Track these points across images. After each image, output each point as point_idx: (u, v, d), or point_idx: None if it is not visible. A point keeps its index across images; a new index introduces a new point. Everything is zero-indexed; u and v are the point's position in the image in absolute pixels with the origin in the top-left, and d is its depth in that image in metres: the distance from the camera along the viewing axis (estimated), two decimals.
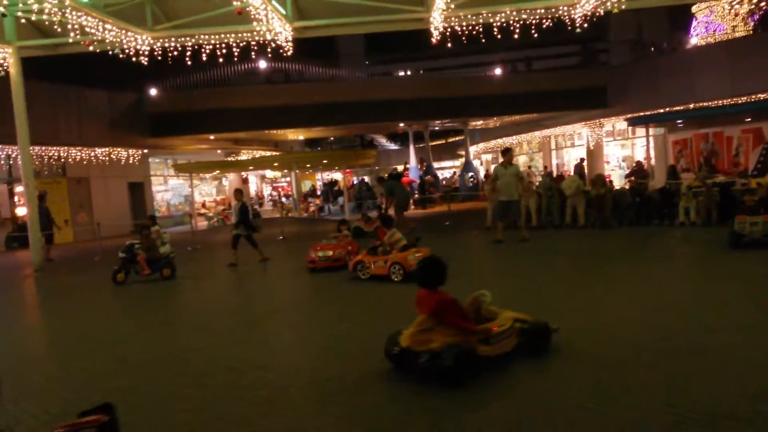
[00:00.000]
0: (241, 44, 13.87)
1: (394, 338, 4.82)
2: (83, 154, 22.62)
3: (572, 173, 23.18)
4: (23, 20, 12.34)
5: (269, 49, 13.99)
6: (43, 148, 20.58)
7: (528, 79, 28.58)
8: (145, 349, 6.24)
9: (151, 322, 7.77)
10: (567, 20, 13.14)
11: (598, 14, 13.03)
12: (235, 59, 14.79)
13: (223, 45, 13.80)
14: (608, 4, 12.33)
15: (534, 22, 13.23)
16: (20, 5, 11.50)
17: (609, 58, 34.73)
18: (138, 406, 4.49)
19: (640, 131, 24.74)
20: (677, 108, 21.77)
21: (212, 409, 4.34)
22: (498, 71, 31.96)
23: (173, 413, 4.33)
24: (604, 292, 7.38)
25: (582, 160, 27.23)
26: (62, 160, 22.24)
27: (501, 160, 12.76)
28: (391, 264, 9.02)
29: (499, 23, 13.16)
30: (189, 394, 4.70)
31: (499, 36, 13.41)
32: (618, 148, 29.34)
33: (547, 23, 13.37)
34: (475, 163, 37.76)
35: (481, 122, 33.28)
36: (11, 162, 21.17)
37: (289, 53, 13.97)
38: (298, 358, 5.66)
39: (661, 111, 22.31)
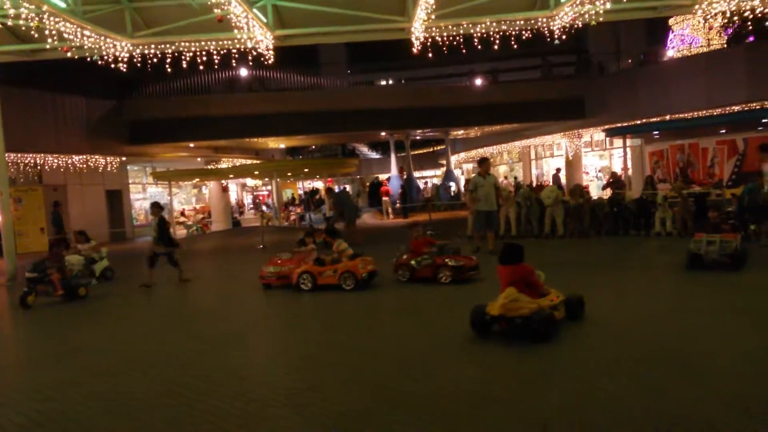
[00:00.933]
0: (222, 52, 13.79)
1: (480, 310, 5.89)
2: (60, 162, 22.26)
3: (551, 183, 23.40)
4: None
5: (250, 58, 13.93)
6: (19, 155, 20.21)
7: (508, 90, 28.83)
8: (115, 358, 6.13)
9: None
10: (546, 31, 13.30)
11: (576, 26, 13.20)
12: (216, 67, 14.71)
13: (204, 52, 13.71)
14: (586, 16, 12.49)
15: (514, 33, 13.37)
16: None
17: (587, 69, 35.19)
18: (114, 416, 4.41)
19: (618, 142, 25.08)
20: (654, 119, 22.12)
21: (187, 419, 4.27)
22: (478, 81, 32.17)
23: (150, 422, 4.25)
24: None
25: (558, 170, 27.53)
26: (38, 167, 21.87)
27: (478, 169, 12.74)
28: (342, 273, 9.08)
29: (479, 34, 13.28)
30: (164, 403, 4.63)
31: (479, 47, 13.52)
32: (596, 158, 29.70)
33: (527, 34, 13.52)
34: (457, 172, 37.97)
35: (462, 132, 33.49)
36: None
37: (270, 61, 13.93)
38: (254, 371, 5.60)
39: (638, 122, 22.66)
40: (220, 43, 13.36)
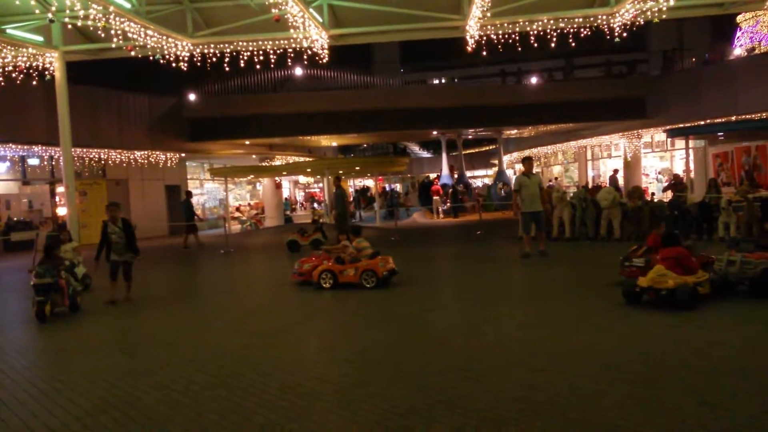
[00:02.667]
0: (278, 51, 14.04)
1: (631, 283, 7.15)
2: (123, 157, 23.18)
3: (608, 184, 22.77)
4: (69, 26, 12.74)
5: (305, 56, 14.13)
6: (84, 150, 21.15)
7: (565, 88, 28.23)
8: (172, 351, 6.33)
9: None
10: (606, 29, 12.94)
11: (638, 23, 12.79)
12: (272, 66, 14.98)
13: (261, 52, 13.99)
14: (648, 13, 12.10)
15: (572, 30, 13.07)
16: (67, 12, 11.86)
17: (649, 68, 34.10)
18: (172, 405, 4.55)
19: (680, 143, 24.17)
20: (718, 120, 21.20)
21: (239, 410, 4.36)
22: (534, 80, 31.63)
23: (201, 413, 4.36)
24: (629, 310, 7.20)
25: (615, 171, 26.73)
26: (102, 162, 22.83)
27: (522, 168, 12.38)
28: (363, 271, 9.17)
29: (536, 32, 13.04)
30: (218, 395, 4.74)
31: (535, 44, 13.28)
32: (656, 160, 28.73)
33: (586, 32, 13.19)
34: (509, 172, 37.43)
35: (515, 131, 32.99)
36: (53, 163, 21.82)
37: (324, 60, 14.09)
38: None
39: (702, 123, 21.77)
40: (277, 42, 13.61)
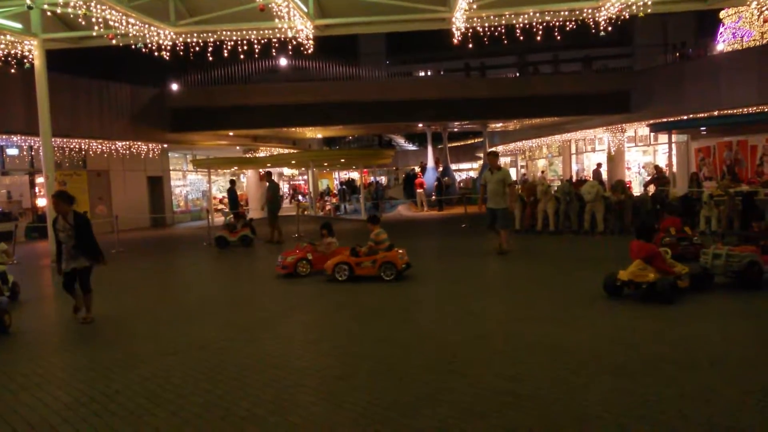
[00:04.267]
0: (263, 41, 13.89)
1: (612, 276, 7.19)
2: (104, 147, 22.86)
3: (592, 178, 22.92)
4: (49, 13, 12.49)
5: (290, 47, 14.00)
6: (65, 140, 20.82)
7: (549, 82, 28.33)
8: (155, 343, 6.26)
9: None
10: (591, 23, 12.97)
11: (623, 17, 12.84)
12: (256, 56, 14.84)
13: (245, 42, 13.83)
14: (633, 7, 12.14)
15: (557, 24, 13.09)
16: None
17: (633, 62, 34.35)
18: (153, 398, 4.50)
19: (663, 138, 24.39)
20: (701, 115, 21.42)
21: (222, 404, 4.32)
22: (518, 73, 31.72)
23: (183, 406, 4.32)
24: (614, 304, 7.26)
25: (599, 165, 26.92)
26: (83, 152, 22.51)
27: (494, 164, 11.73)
28: (381, 263, 9.04)
29: (521, 24, 13.04)
30: (200, 388, 4.70)
31: (521, 38, 13.29)
32: (640, 154, 28.97)
33: (571, 26, 13.22)
34: None
35: (500, 124, 33.08)
36: (33, 153, 21.46)
37: (309, 51, 13.97)
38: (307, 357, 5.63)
39: (685, 118, 21.97)
40: (261, 32, 13.46)
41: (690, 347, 5.23)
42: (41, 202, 21.31)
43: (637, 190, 21.02)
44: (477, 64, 40.43)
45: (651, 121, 23.80)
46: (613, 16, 12.69)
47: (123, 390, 4.73)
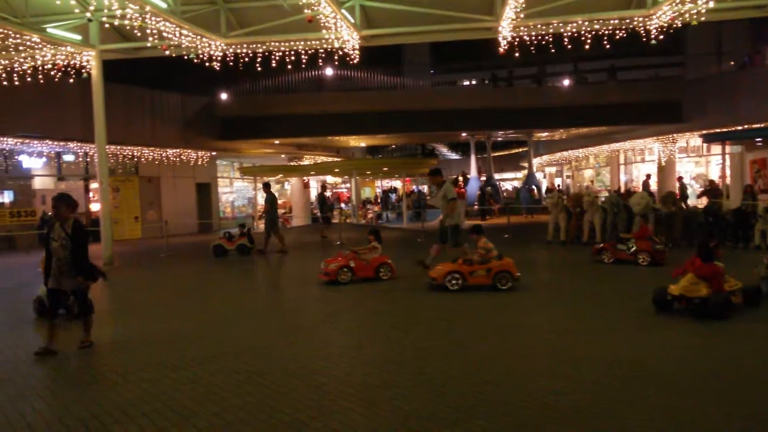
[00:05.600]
0: (310, 52, 14.12)
1: (662, 291, 6.98)
2: (155, 155, 23.59)
3: (641, 189, 22.33)
4: (107, 25, 13.02)
5: (336, 57, 14.19)
6: (118, 147, 21.59)
7: (598, 91, 27.81)
8: (200, 347, 6.41)
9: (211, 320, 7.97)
10: (642, 31, 12.70)
11: (675, 26, 12.53)
12: (303, 66, 15.08)
13: (292, 52, 14.09)
14: (686, 15, 11.83)
15: (607, 32, 12.86)
16: (105, 11, 12.11)
17: (685, 71, 33.39)
18: (197, 399, 4.61)
19: (716, 149, 23.60)
20: (757, 125, 20.62)
21: (265, 408, 4.39)
22: (566, 82, 31.19)
23: (226, 409, 4.40)
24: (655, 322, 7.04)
25: (648, 176, 26.20)
26: (135, 159, 23.28)
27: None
28: (498, 272, 8.82)
29: (569, 33, 12.87)
30: (242, 391, 4.78)
31: (569, 46, 13.10)
32: (691, 165, 28.11)
33: (621, 34, 12.96)
34: (539, 175, 37.03)
35: (546, 134, 32.64)
36: (88, 159, 22.31)
37: (355, 61, 14.11)
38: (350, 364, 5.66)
39: (740, 128, 21.20)
40: (308, 43, 13.68)
41: (741, 365, 5.05)
42: (95, 207, 22.11)
43: (687, 202, 20.34)
44: (521, 73, 40.05)
45: (704, 132, 23.09)
46: (665, 25, 12.40)
47: (169, 391, 4.85)
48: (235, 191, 32.69)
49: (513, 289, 8.81)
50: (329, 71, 30.81)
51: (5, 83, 14.22)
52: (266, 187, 16.09)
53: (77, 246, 6.23)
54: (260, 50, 14.11)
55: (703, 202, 17.19)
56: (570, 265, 11.56)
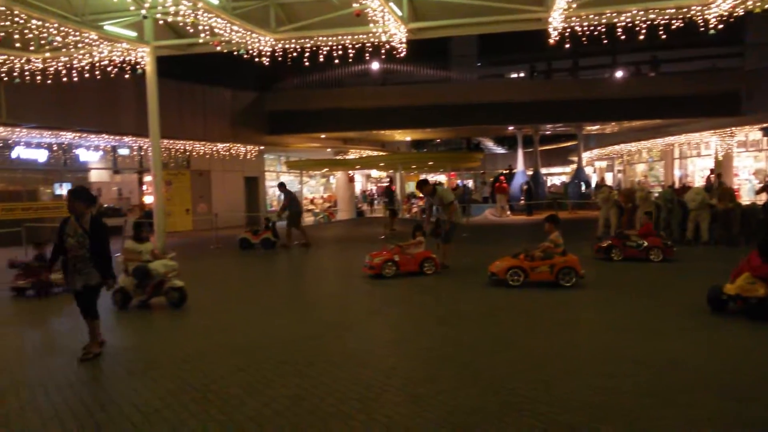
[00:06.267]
0: (356, 46, 14.14)
1: (717, 290, 6.78)
2: (206, 149, 24.14)
3: (702, 185, 21.52)
4: (161, 22, 13.35)
5: (383, 51, 14.16)
6: (171, 141, 22.18)
7: (652, 83, 26.94)
8: (253, 335, 6.54)
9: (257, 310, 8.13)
10: (700, 21, 12.20)
11: (735, 14, 11.99)
12: (349, 60, 15.12)
13: (339, 46, 14.14)
14: (749, 3, 11.30)
15: (662, 22, 12.40)
16: (159, 8, 12.43)
17: (744, 62, 31.97)
18: (246, 388, 4.70)
19: None
20: None
21: (311, 399, 4.45)
22: (619, 74, 30.31)
23: (274, 398, 4.48)
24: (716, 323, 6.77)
25: (712, 171, 25.15)
26: (187, 153, 23.89)
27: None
28: (561, 268, 8.67)
29: (623, 23, 12.46)
30: (290, 382, 4.85)
31: (623, 37, 12.69)
32: (750, 159, 26.93)
33: (677, 24, 12.49)
34: (588, 170, 36.15)
35: (597, 127, 31.83)
36: (142, 153, 23.01)
37: (402, 55, 14.06)
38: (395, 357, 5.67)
39: None
40: (356, 37, 13.68)
41: None
42: (148, 199, 22.81)
43: (746, 199, 19.51)
44: (571, 65, 39.13)
45: (764, 125, 22.08)
46: (725, 13, 11.87)
47: (219, 380, 4.98)
48: None
49: (560, 286, 8.64)
50: (375, 65, 30.83)
51: (65, 79, 14.78)
52: (281, 186, 16.55)
53: (96, 242, 5.73)
54: (308, 45, 14.21)
55: (763, 198, 16.42)
56: (619, 263, 11.23)
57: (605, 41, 13.14)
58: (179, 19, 12.01)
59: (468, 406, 4.22)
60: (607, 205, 14.97)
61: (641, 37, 12.58)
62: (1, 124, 17.53)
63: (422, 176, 23.63)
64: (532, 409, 4.14)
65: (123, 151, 23.17)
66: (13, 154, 19.19)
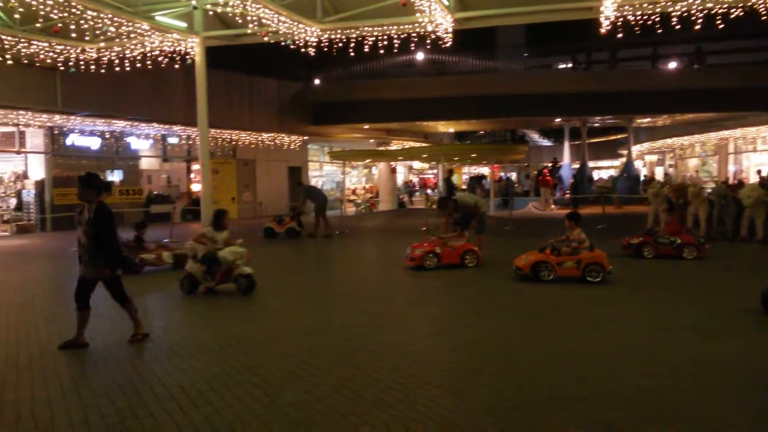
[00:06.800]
0: (402, 36, 14.07)
1: None
2: (252, 138, 24.53)
3: (757, 181, 20.67)
4: (210, 12, 13.59)
5: (428, 41, 14.05)
6: (218, 131, 22.61)
7: (707, 75, 25.93)
8: (294, 322, 6.63)
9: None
10: (762, 9, 11.67)
11: None
12: (394, 51, 15.07)
13: (385, 37, 14.10)
14: None
15: (720, 11, 11.91)
16: None
17: None
18: (288, 374, 4.77)
19: None
20: None
21: (352, 387, 4.48)
22: (672, 65, 29.29)
23: (316, 386, 4.53)
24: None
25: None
26: (234, 142, 24.32)
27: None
28: (588, 264, 8.52)
29: (679, 12, 12.02)
30: (330, 370, 4.90)
31: (677, 27, 12.25)
32: None
33: (737, 12, 11.98)
34: (638, 163, 35.15)
35: (648, 120, 30.90)
36: (190, 142, 23.54)
37: (448, 45, 13.93)
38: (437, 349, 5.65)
39: None
40: (402, 27, 13.62)
41: None
42: (196, 187, 23.34)
43: None
44: (623, 55, 38.00)
45: None
46: None
47: (263, 364, 5.07)
48: (325, 175, 33.40)
49: (601, 282, 8.45)
50: (420, 55, 30.65)
51: (117, 69, 15.23)
52: (299, 185, 17.46)
53: (99, 231, 5.49)
54: (354, 35, 14.22)
55: None
56: (652, 260, 10.88)
57: (660, 30, 12.71)
58: (228, 9, 12.23)
59: (509, 400, 4.18)
60: (658, 200, 14.53)
61: (696, 27, 12.11)
62: (57, 112, 18.21)
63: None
64: (573, 406, 4.06)
65: (172, 140, 23.75)
66: (68, 141, 19.91)
